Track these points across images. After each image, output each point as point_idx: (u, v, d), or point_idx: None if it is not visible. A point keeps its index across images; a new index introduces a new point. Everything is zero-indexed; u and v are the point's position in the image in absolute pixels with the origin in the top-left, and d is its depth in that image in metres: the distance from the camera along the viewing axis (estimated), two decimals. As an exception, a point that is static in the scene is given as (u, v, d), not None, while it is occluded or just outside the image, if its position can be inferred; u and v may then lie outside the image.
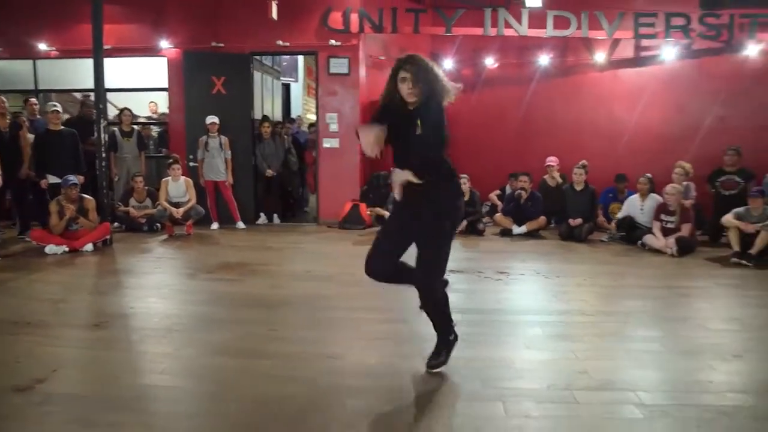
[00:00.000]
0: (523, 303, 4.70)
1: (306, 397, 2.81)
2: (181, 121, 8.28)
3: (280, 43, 8.26)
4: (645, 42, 8.59)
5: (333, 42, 8.24)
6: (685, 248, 6.54)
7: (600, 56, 8.85)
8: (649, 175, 7.30)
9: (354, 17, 8.17)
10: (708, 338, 3.76)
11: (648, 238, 6.87)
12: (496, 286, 5.11)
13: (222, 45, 8.27)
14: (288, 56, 11.17)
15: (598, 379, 3.04)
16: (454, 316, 3.10)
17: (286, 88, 11.90)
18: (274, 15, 7.72)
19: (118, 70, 8.39)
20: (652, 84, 8.65)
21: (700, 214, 7.37)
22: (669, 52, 8.42)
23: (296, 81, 12.47)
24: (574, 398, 2.80)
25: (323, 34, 8.27)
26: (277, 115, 10.46)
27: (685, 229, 6.71)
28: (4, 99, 6.97)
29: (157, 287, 4.92)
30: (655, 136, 8.62)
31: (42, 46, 8.47)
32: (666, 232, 6.79)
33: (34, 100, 8.14)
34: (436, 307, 3.02)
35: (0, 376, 3.00)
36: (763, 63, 8.01)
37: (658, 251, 6.66)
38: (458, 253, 6.65)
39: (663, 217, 6.89)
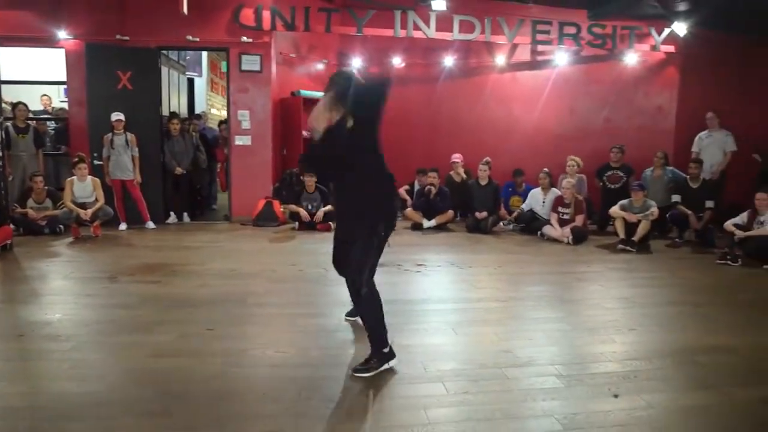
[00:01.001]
0: (443, 292, 5.03)
1: (258, 390, 2.93)
2: (84, 117, 7.85)
3: (190, 38, 8.07)
4: (540, 47, 9.30)
5: (245, 39, 8.19)
6: (579, 237, 7.24)
7: (500, 59, 9.46)
8: (546, 169, 7.98)
9: (266, 14, 8.16)
10: (606, 316, 4.29)
11: (546, 229, 7.52)
12: (416, 277, 5.43)
13: (127, 38, 7.95)
14: (192, 51, 10.88)
15: (521, 356, 3.40)
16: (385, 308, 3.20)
17: (190, 83, 11.57)
18: (185, 9, 7.54)
19: (5, 61, 7.82)
20: (547, 87, 9.38)
21: (590, 205, 8.14)
22: (561, 57, 9.17)
23: (200, 76, 12.16)
24: (504, 375, 3.14)
25: (235, 31, 8.19)
26: (183, 111, 10.17)
27: (579, 220, 7.42)
28: None
29: (76, 293, 4.73)
30: (550, 135, 9.36)
31: None
32: (562, 223, 7.47)
33: None
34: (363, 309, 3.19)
35: None
36: (639, 71, 8.96)
37: (555, 240, 7.32)
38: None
39: (560, 209, 7.57)
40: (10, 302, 4.44)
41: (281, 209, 8.36)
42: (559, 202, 7.60)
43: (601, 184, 8.43)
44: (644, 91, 8.99)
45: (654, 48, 8.64)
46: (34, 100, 9.12)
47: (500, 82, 9.60)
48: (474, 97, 9.64)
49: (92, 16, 7.91)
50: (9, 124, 7.42)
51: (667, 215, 7.53)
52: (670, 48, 8.65)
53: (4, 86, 7.71)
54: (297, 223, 7.98)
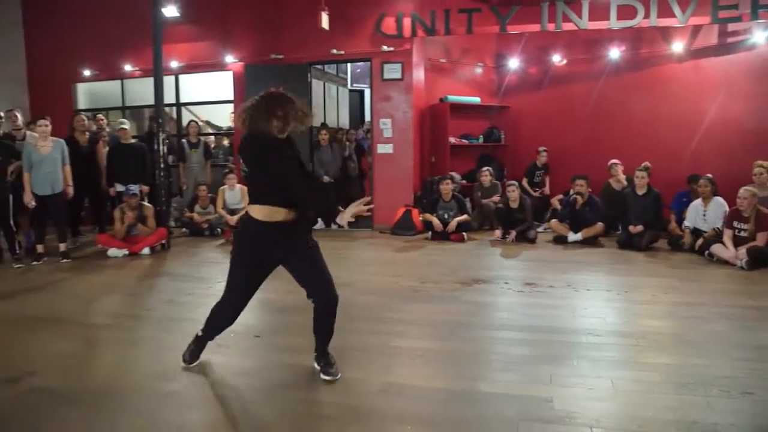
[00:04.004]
0: (530, 320, 4.34)
1: None
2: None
3: (335, 51, 8.41)
4: (731, 26, 7.67)
5: (386, 48, 8.25)
6: (757, 260, 5.75)
7: (678, 45, 8.04)
8: (709, 175, 6.58)
9: (407, 22, 8.13)
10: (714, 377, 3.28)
11: (716, 248, 6.13)
12: (513, 298, 4.83)
13: (281, 57, 8.60)
14: (362, 63, 11.35)
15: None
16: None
17: (360, 94, 12.08)
18: (325, 25, 7.87)
19: (195, 85, 9.10)
20: (739, 73, 7.70)
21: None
22: (759, 35, 7.43)
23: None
24: None
25: (377, 41, 8.31)
26: (344, 122, 10.63)
27: (761, 238, 5.90)
28: (84, 117, 7.71)
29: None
30: (742, 132, 7.66)
31: (127, 67, 9.33)
32: (738, 242, 6.02)
33: (101, 115, 8.84)
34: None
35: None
36: None
37: (726, 263, 5.94)
38: (493, 262, 6.38)
39: (735, 224, 6.12)
40: (127, 294, 5.05)
41: (419, 218, 8.22)
42: (734, 215, 6.15)
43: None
44: None
45: None
46: (223, 117, 10.40)
47: (679, 72, 8.16)
48: (645, 92, 8.37)
49: (251, 40, 8.73)
50: (184, 140, 8.55)
51: None
52: None
53: (195, 107, 8.95)
54: (430, 232, 7.76)
